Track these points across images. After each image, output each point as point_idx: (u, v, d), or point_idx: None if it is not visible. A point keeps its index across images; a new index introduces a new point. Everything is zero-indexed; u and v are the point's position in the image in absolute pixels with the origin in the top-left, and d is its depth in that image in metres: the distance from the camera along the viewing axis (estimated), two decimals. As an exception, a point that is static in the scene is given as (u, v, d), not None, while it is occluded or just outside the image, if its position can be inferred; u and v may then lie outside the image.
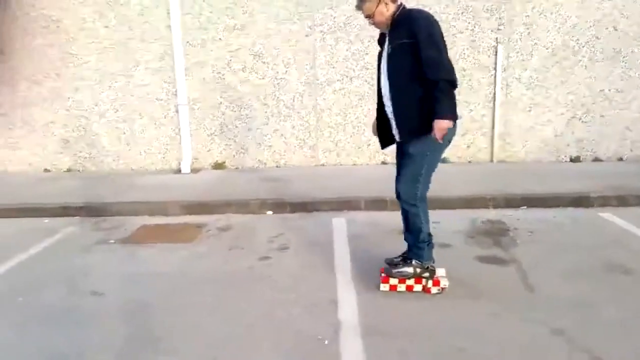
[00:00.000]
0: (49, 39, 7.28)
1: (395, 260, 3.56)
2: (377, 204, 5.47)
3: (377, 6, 3.23)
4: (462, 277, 3.67)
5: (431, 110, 3.09)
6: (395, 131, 3.37)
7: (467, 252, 4.24)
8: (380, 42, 3.48)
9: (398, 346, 2.79)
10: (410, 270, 3.40)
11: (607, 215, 5.15)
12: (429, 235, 3.46)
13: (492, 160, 7.45)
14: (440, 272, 3.50)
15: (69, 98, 7.41)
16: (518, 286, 3.54)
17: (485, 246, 4.36)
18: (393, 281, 3.43)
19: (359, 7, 3.32)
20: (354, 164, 7.48)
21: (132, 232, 5.02)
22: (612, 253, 4.11)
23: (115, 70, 7.33)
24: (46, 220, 5.48)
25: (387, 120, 3.41)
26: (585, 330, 2.90)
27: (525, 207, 5.48)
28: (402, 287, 3.43)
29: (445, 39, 3.16)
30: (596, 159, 7.42)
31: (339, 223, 5.10)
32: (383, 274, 3.48)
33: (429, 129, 3.12)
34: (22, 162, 7.64)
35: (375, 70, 3.54)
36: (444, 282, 3.43)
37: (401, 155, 3.45)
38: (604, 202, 5.47)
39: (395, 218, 4.71)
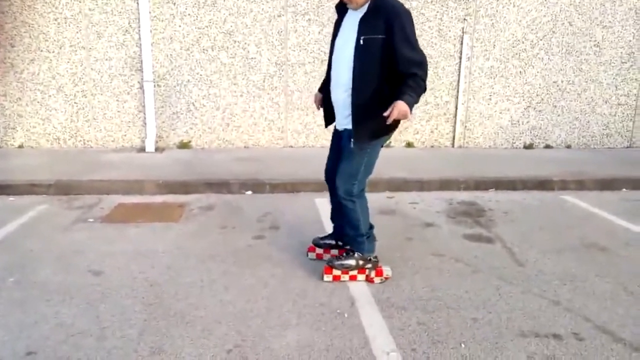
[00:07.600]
0: (2, 6, 6.79)
1: (321, 241, 3.70)
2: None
3: None
4: (456, 255, 3.89)
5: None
6: (343, 121, 3.24)
7: (452, 231, 4.46)
8: (340, 11, 3.27)
9: (415, 318, 2.93)
10: (352, 262, 3.35)
11: (569, 197, 5.56)
12: (370, 227, 3.42)
13: (453, 146, 7.77)
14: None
15: (23, 70, 6.96)
16: (508, 262, 3.79)
17: (468, 225, 4.60)
18: (336, 272, 3.37)
19: None
20: (322, 147, 7.55)
21: (110, 211, 4.86)
22: (583, 232, 4.46)
23: (75, 42, 6.96)
24: (12, 198, 5.19)
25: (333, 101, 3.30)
26: (580, 302, 3.16)
27: (493, 189, 5.80)
28: (345, 277, 3.37)
29: (414, 28, 3.07)
30: (547, 146, 7.92)
31: (323, 204, 5.16)
32: (326, 265, 3.42)
33: (385, 132, 3.16)
34: (-31, 136, 7.12)
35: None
36: (387, 272, 3.43)
37: (338, 140, 3.38)
38: (564, 185, 5.90)
39: (376, 199, 4.90)
